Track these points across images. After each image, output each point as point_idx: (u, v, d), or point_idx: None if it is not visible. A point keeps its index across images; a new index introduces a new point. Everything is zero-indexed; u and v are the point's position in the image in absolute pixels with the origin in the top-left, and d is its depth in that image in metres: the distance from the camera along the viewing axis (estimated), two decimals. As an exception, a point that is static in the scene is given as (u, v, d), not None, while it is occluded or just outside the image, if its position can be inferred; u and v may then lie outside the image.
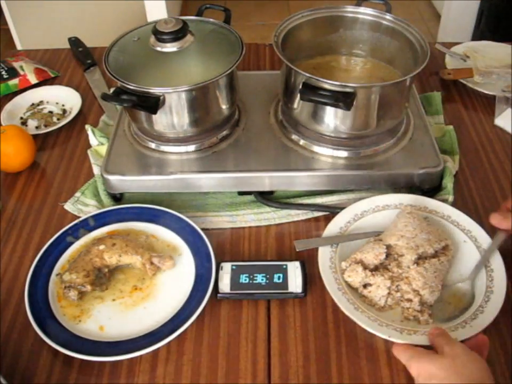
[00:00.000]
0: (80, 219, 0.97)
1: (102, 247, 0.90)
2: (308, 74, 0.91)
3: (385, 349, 0.80)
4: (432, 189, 1.01)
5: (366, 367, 0.79)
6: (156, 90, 0.92)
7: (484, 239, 0.91)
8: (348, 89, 0.89)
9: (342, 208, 0.99)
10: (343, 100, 0.87)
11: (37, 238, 0.98)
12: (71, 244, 0.94)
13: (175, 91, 0.92)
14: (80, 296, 0.86)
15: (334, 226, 0.94)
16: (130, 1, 2.75)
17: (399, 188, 1.02)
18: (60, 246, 0.93)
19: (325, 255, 0.89)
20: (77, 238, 0.95)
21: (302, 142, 1.02)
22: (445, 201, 0.99)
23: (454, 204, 0.99)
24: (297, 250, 0.91)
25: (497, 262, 0.87)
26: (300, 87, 0.91)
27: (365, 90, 0.92)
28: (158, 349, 0.80)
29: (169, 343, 0.80)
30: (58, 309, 0.85)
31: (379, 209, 0.96)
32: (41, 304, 0.85)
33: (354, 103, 0.89)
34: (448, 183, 0.99)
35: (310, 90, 0.90)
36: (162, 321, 0.83)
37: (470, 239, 0.91)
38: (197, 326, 0.84)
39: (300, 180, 1.00)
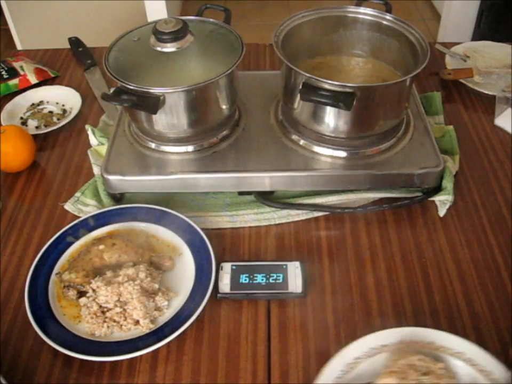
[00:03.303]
0: (80, 219, 0.97)
1: (101, 247, 0.89)
2: (308, 74, 0.91)
3: (385, 349, 0.80)
4: (432, 189, 1.01)
5: (366, 367, 0.79)
6: (156, 90, 0.92)
7: None
8: (348, 89, 0.89)
9: (342, 208, 0.99)
10: (343, 100, 0.87)
11: (37, 238, 0.98)
12: (71, 243, 0.94)
13: (175, 91, 0.92)
14: (79, 295, 0.86)
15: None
16: (130, 1, 2.75)
17: (399, 188, 1.02)
18: (60, 246, 0.93)
19: None
20: (77, 238, 0.95)
21: (302, 142, 1.02)
22: (445, 202, 0.99)
23: (454, 204, 0.99)
24: None
25: None
26: (300, 87, 0.91)
27: (365, 91, 0.92)
28: (158, 349, 0.80)
29: (169, 343, 0.80)
30: (58, 309, 0.85)
31: (375, 353, 0.77)
32: (41, 304, 0.85)
33: (354, 103, 0.89)
34: (448, 183, 0.99)
35: (310, 90, 0.90)
36: (162, 321, 0.83)
37: None
38: (197, 326, 0.84)
39: (300, 180, 0.99)
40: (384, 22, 1.06)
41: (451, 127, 1.14)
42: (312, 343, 0.82)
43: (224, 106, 1.01)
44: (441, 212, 0.99)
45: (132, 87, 0.92)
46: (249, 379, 0.78)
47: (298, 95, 0.92)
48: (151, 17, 2.77)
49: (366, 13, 1.07)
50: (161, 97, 0.92)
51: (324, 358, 0.80)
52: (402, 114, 1.02)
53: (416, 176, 0.98)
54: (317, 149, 1.01)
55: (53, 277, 0.89)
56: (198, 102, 0.96)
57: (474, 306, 0.86)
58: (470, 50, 1.39)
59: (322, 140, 1.00)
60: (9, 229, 1.00)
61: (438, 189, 1.01)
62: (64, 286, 0.86)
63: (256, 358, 0.80)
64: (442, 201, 0.99)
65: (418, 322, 0.84)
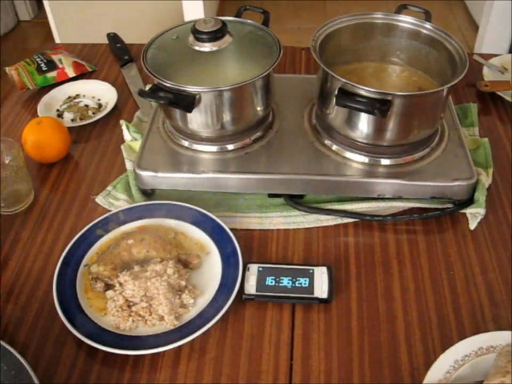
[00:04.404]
0: (111, 213, 0.98)
1: (130, 241, 0.90)
2: (344, 80, 0.90)
3: (408, 360, 0.80)
4: (463, 201, 0.99)
5: (388, 377, 0.78)
6: (192, 89, 0.92)
7: None
8: (384, 97, 0.88)
9: (372, 216, 0.99)
10: (379, 107, 0.87)
11: (68, 229, 0.99)
12: (100, 236, 0.95)
13: (211, 90, 0.93)
14: (106, 288, 0.87)
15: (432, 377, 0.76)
16: (169, 1, 2.77)
17: (430, 198, 1.01)
18: (90, 238, 0.94)
19: None
20: (107, 231, 0.96)
21: (334, 147, 1.02)
22: (476, 214, 0.98)
23: (485, 218, 0.98)
24: None
25: None
26: (336, 92, 0.91)
27: (402, 99, 0.91)
28: (181, 346, 0.80)
29: (192, 340, 0.81)
30: (85, 300, 0.86)
31: (483, 353, 0.78)
32: (69, 294, 0.86)
33: (389, 111, 0.89)
34: (481, 196, 0.98)
35: (346, 96, 0.90)
36: (187, 319, 0.83)
37: None
38: (221, 326, 0.84)
39: (330, 185, 0.99)
40: (423, 31, 1.05)
41: (486, 139, 1.12)
42: (335, 350, 0.81)
43: (258, 108, 1.01)
44: (472, 225, 0.98)
45: (168, 85, 0.92)
46: (270, 381, 0.78)
47: (333, 100, 0.92)
48: (188, 17, 2.79)
49: (405, 20, 1.06)
50: (197, 96, 0.92)
51: (346, 364, 0.80)
52: (437, 125, 1.01)
53: (449, 188, 0.97)
54: (349, 155, 1.01)
55: (82, 269, 0.90)
56: (233, 102, 0.96)
57: (500, 323, 0.85)
58: (508, 62, 1.37)
59: (355, 146, 1.00)
60: (40, 218, 1.02)
61: (469, 201, 0.99)
62: (92, 278, 0.87)
63: (278, 361, 0.80)
64: (474, 214, 0.98)
65: (443, 334, 0.83)
